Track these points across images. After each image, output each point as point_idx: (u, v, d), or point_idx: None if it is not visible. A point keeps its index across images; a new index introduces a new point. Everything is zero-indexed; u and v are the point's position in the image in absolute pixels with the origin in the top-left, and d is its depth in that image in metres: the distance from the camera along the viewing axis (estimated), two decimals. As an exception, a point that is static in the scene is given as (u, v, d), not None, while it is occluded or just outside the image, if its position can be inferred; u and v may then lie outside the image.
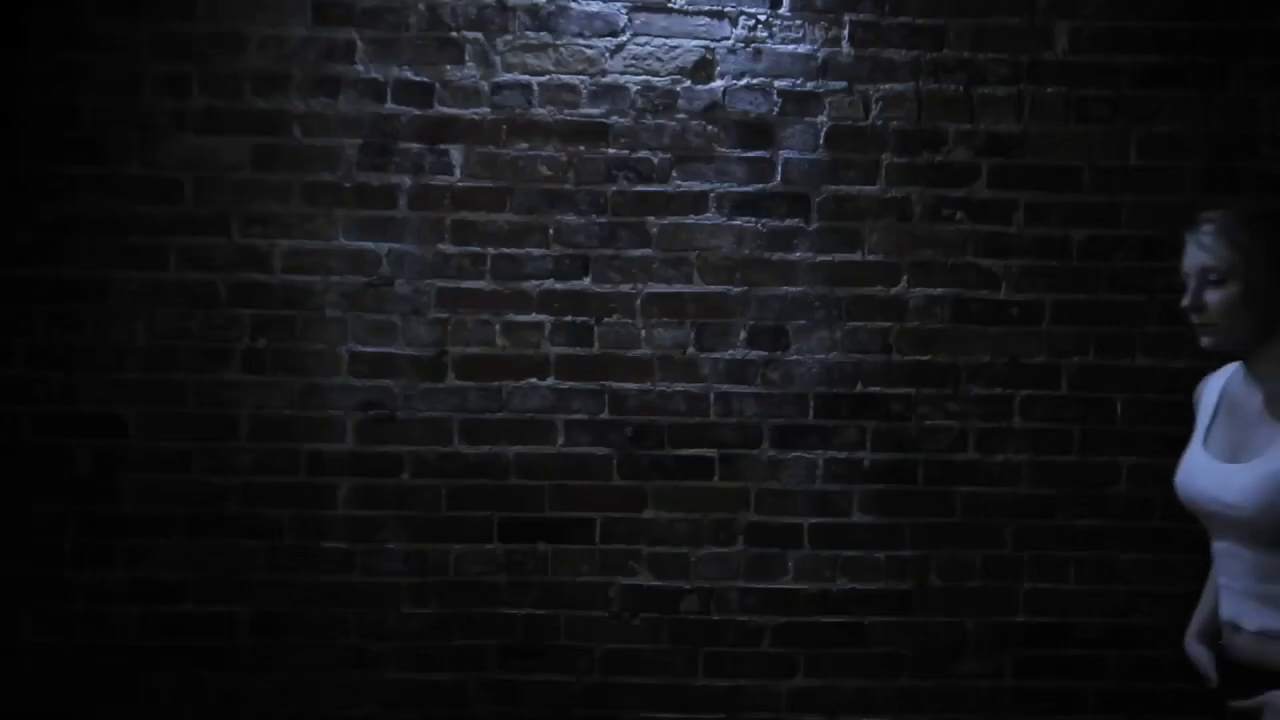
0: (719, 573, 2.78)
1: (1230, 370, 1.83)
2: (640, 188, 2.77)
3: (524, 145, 2.76)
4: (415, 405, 2.75)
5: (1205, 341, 1.72)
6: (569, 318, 2.77)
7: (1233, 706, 1.68)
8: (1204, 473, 1.75)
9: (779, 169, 2.78)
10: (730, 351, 2.78)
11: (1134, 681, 2.75)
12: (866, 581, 2.78)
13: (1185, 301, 1.72)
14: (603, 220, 2.77)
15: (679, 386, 2.78)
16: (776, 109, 2.77)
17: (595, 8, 2.76)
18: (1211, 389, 1.85)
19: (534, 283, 2.77)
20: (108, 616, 2.72)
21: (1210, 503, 1.72)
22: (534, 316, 2.77)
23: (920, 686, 2.78)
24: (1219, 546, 1.76)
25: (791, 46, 2.77)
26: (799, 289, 2.78)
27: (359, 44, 2.75)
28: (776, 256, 2.78)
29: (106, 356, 2.73)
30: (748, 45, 2.77)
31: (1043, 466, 2.78)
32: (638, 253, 2.77)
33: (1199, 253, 1.69)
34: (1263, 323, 1.67)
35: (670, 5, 2.76)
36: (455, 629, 2.76)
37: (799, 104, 2.78)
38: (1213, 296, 1.68)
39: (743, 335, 2.78)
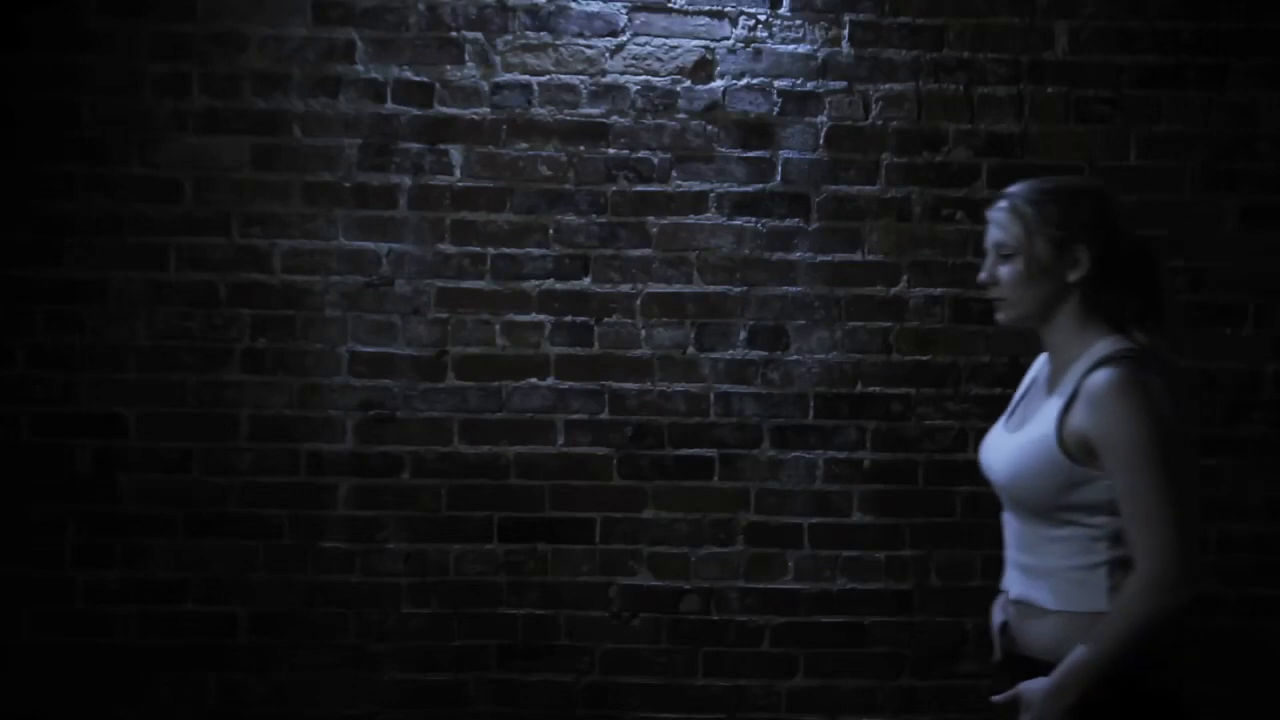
0: (719, 573, 2.78)
1: None
2: (640, 188, 2.77)
3: (524, 145, 2.76)
4: (415, 405, 2.75)
5: (999, 316, 1.76)
6: (569, 318, 2.77)
7: (992, 702, 1.74)
8: (993, 444, 1.82)
9: (779, 169, 2.78)
10: (730, 351, 2.78)
11: (1134, 681, 2.75)
12: (866, 581, 2.78)
13: (981, 276, 1.76)
14: (603, 220, 2.77)
15: (679, 386, 2.78)
16: (776, 109, 2.77)
17: (595, 8, 2.76)
18: (1034, 365, 1.90)
19: (534, 283, 2.77)
20: (108, 616, 2.72)
21: (988, 470, 1.81)
22: (534, 316, 2.77)
23: (920, 686, 2.78)
24: (1004, 514, 1.83)
25: (791, 46, 2.77)
26: (799, 289, 2.78)
27: (359, 44, 2.74)
28: (776, 256, 2.78)
29: (106, 356, 2.72)
30: (748, 45, 2.77)
31: (1043, 466, 2.77)
32: (638, 253, 2.77)
33: (994, 229, 1.74)
34: (1046, 298, 1.70)
35: (670, 5, 2.76)
36: (455, 629, 2.76)
37: (799, 104, 2.78)
38: (1004, 271, 1.72)
39: (743, 335, 2.78)
